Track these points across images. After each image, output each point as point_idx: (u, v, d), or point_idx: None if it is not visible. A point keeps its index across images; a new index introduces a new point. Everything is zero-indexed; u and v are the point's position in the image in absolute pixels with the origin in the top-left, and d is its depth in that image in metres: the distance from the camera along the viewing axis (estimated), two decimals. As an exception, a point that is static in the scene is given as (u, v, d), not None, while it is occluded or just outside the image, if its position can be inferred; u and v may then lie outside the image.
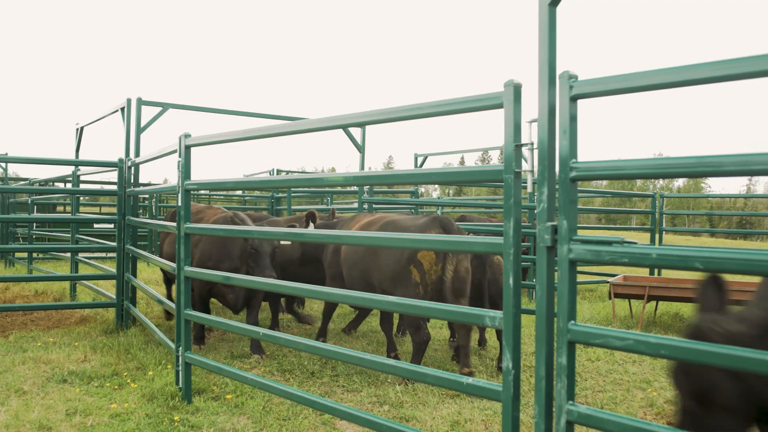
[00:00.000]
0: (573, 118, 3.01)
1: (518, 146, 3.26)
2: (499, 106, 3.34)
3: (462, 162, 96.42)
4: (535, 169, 3.18)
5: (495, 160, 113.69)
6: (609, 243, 2.88)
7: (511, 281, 3.26)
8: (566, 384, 3.02)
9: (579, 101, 3.04)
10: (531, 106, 3.22)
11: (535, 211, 3.14)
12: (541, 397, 3.13)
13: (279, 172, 18.29)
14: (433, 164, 24.60)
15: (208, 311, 8.55)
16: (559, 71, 3.08)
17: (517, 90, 3.26)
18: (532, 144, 3.23)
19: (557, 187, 3.07)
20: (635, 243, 2.88)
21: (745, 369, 2.44)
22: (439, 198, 21.32)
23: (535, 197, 3.22)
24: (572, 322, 3.01)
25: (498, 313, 3.32)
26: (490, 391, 3.39)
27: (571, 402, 3.02)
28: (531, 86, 3.29)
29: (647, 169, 2.80)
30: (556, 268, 3.11)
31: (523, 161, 3.31)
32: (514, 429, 3.28)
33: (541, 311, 3.13)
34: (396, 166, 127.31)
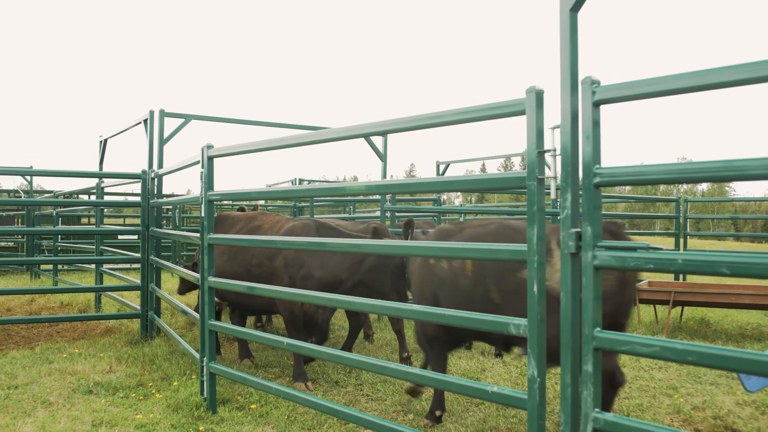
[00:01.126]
0: (596, 124, 3.00)
1: (541, 153, 3.24)
2: (521, 112, 3.33)
3: (483, 169, 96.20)
4: (558, 175, 3.17)
5: (517, 166, 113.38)
6: (634, 249, 2.86)
7: (535, 288, 3.24)
8: (592, 391, 3.00)
9: (601, 106, 3.03)
10: (553, 113, 3.21)
11: (559, 218, 3.11)
12: (567, 404, 3.11)
13: (301, 181, 18.34)
14: (455, 172, 24.59)
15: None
16: (580, 77, 3.07)
17: (539, 96, 3.25)
18: (554, 150, 3.22)
19: (581, 193, 3.05)
20: (661, 248, 2.85)
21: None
22: (461, 205, 21.29)
23: (559, 203, 3.20)
24: (598, 329, 2.99)
25: (523, 321, 3.30)
26: (515, 399, 3.37)
27: (597, 410, 2.99)
28: (552, 92, 3.29)
29: (672, 174, 2.78)
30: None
31: (545, 168, 3.30)
32: (540, 437, 3.26)
33: (566, 318, 3.11)
34: (418, 174, 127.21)
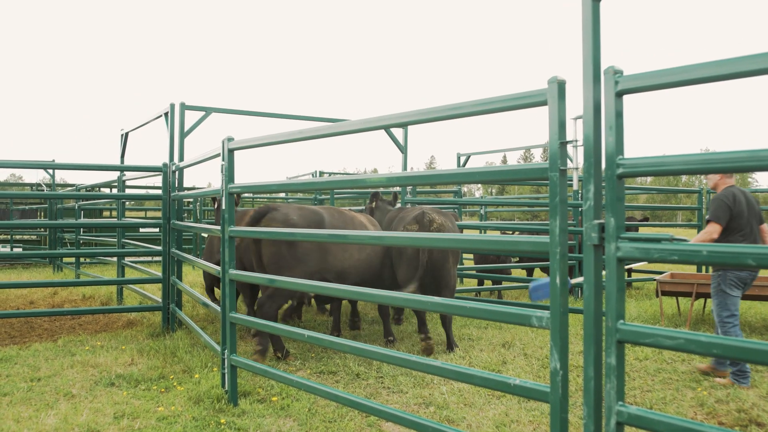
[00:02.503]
0: (619, 114, 2.96)
1: (563, 144, 3.21)
2: (543, 103, 3.29)
3: (504, 160, 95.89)
4: (581, 166, 3.13)
5: (538, 158, 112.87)
6: (658, 240, 2.82)
7: (558, 281, 3.21)
8: (616, 384, 2.97)
9: (623, 97, 2.99)
10: (574, 103, 3.18)
11: (581, 209, 3.08)
12: (590, 398, 3.08)
13: (321, 173, 18.35)
14: (475, 163, 24.49)
15: None
16: (602, 67, 3.03)
17: (561, 86, 3.22)
18: (576, 141, 3.18)
19: (603, 184, 3.02)
20: (685, 240, 2.82)
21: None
22: (482, 197, 21.20)
23: (580, 195, 3.17)
24: (621, 321, 2.96)
25: (545, 313, 3.28)
26: (537, 392, 3.35)
27: (621, 403, 2.96)
28: (573, 83, 3.26)
29: (696, 165, 2.74)
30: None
31: (567, 159, 3.26)
32: (562, 430, 3.24)
33: (589, 310, 3.08)
34: (438, 165, 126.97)
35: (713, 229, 6.67)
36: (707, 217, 6.82)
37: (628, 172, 2.93)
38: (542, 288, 7.36)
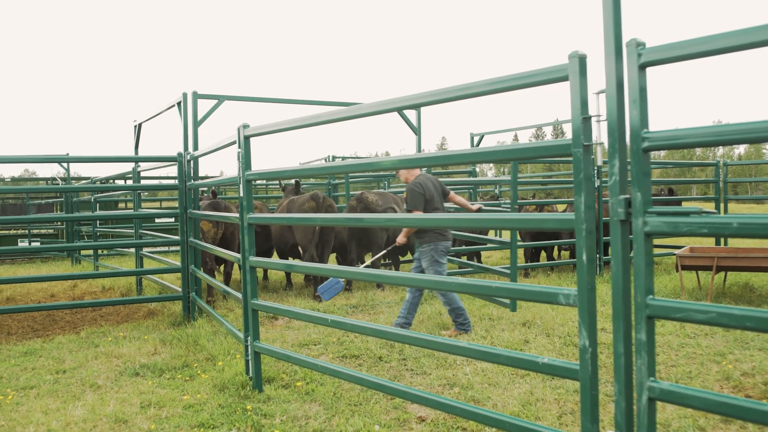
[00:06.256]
0: (643, 87, 2.91)
1: (586, 119, 3.17)
2: (564, 78, 3.25)
3: (516, 139, 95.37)
4: (605, 140, 3.10)
5: (549, 136, 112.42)
6: (687, 214, 2.79)
7: (584, 257, 3.18)
8: (646, 360, 2.94)
9: (647, 69, 2.94)
10: (595, 78, 3.14)
11: (607, 184, 3.05)
12: (620, 374, 3.06)
13: (334, 158, 18.30)
14: (487, 143, 24.39)
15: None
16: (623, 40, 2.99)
17: (582, 61, 3.17)
18: (600, 116, 3.14)
19: (628, 159, 2.98)
20: (714, 212, 2.78)
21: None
22: (496, 177, 21.15)
23: (595, 171, 3.13)
24: (650, 296, 2.93)
25: (572, 291, 3.25)
26: (566, 370, 3.33)
27: (652, 378, 2.94)
28: (593, 58, 3.21)
29: (724, 136, 2.70)
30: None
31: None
32: (593, 407, 3.22)
33: (617, 287, 3.05)
34: (449, 146, 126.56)
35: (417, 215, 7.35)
36: (407, 207, 7.97)
37: (653, 145, 2.89)
38: (329, 288, 7.82)
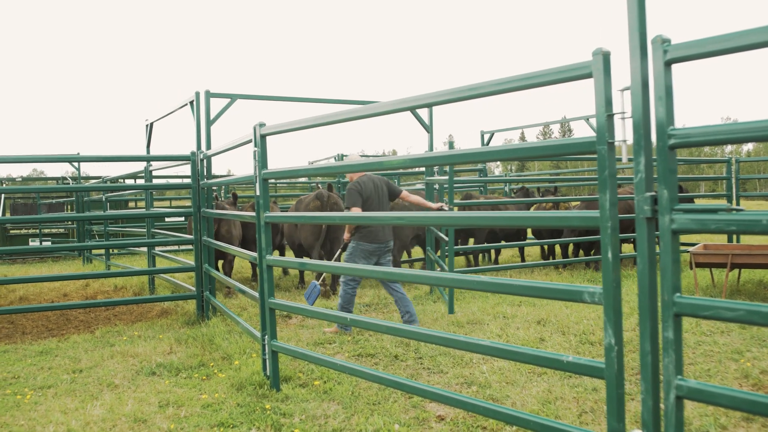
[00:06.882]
0: (669, 84, 2.90)
1: (610, 116, 3.15)
2: (588, 75, 3.24)
3: (522, 138, 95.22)
4: (630, 138, 3.08)
5: (556, 133, 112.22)
6: (714, 211, 2.77)
7: (609, 255, 3.17)
8: (674, 358, 2.93)
9: (672, 66, 2.93)
10: (619, 75, 3.13)
11: (633, 182, 3.03)
12: (647, 372, 3.05)
13: (342, 157, 18.27)
14: (496, 141, 24.36)
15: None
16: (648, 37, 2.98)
17: (606, 58, 3.16)
18: (624, 113, 3.12)
19: (653, 156, 2.97)
20: (741, 209, 2.77)
21: None
22: (505, 174, 21.07)
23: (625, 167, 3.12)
24: (677, 294, 2.92)
25: (597, 289, 3.24)
26: (592, 368, 3.31)
27: (680, 377, 2.93)
28: (617, 55, 3.20)
29: (752, 133, 2.68)
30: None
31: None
32: (618, 406, 3.20)
33: (643, 284, 3.04)
34: (457, 144, 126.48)
35: (355, 212, 8.05)
36: (346, 204, 8.35)
37: (680, 142, 2.88)
38: (311, 292, 8.04)
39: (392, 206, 10.30)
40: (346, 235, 8.72)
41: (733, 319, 2.73)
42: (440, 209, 8.90)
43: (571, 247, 14.73)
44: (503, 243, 14.09)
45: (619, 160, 3.19)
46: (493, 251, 15.52)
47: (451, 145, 10.75)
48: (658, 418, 3.06)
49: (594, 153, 3.22)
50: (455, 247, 11.64)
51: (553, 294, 3.55)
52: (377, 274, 5.03)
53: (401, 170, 16.04)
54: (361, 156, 12.01)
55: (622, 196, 11.63)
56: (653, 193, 2.97)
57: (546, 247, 15.01)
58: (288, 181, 27.24)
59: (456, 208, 11.59)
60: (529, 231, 16.71)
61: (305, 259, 8.92)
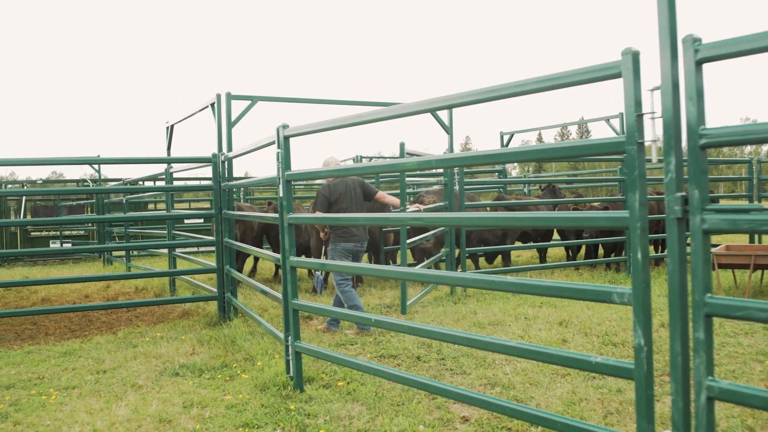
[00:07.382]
0: (700, 83, 2.89)
1: (640, 116, 3.14)
2: (617, 75, 3.23)
3: (540, 139, 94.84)
4: (660, 138, 3.06)
5: (574, 134, 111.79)
6: (747, 211, 2.76)
7: (639, 256, 3.16)
8: (705, 359, 2.92)
9: (703, 65, 2.92)
10: (648, 75, 3.11)
11: (664, 182, 3.02)
12: (677, 373, 3.03)
13: (361, 158, 18.26)
14: (515, 143, 24.34)
15: None
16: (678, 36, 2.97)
17: (635, 58, 3.15)
18: (654, 113, 3.11)
19: (684, 156, 2.96)
20: (774, 209, 2.75)
21: None
22: (524, 176, 21.07)
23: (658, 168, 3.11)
24: (708, 294, 2.91)
25: (626, 289, 3.23)
26: (621, 369, 3.30)
27: (711, 377, 2.92)
28: (646, 54, 3.19)
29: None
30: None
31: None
32: (648, 407, 3.19)
33: (673, 285, 3.03)
34: (474, 146, 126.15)
35: (319, 215, 7.87)
36: (312, 208, 8.80)
37: (712, 142, 2.87)
38: (316, 284, 8.34)
39: (370, 207, 10.45)
40: (321, 234, 9.09)
41: (765, 320, 2.72)
42: (417, 210, 9.55)
43: (583, 249, 14.69)
44: (518, 245, 14.11)
45: (648, 160, 3.18)
46: (500, 255, 15.46)
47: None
48: (689, 419, 3.05)
49: (622, 153, 3.21)
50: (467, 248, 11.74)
51: (581, 294, 3.54)
52: (398, 274, 5.04)
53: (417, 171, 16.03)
54: (378, 158, 11.99)
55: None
56: (684, 194, 2.96)
57: (570, 248, 14.98)
58: (305, 182, 27.32)
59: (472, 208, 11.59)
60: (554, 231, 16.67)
61: (324, 260, 8.97)
